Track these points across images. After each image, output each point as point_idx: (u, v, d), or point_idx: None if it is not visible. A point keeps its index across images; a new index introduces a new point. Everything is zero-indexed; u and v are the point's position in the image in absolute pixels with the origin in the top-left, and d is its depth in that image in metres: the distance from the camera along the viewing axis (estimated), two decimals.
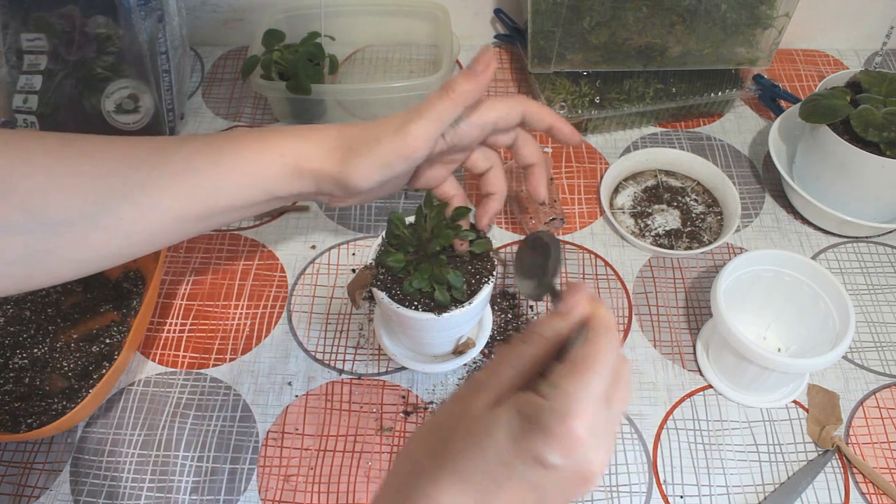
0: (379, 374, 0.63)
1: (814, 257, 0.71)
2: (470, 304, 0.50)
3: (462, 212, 0.52)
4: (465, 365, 0.62)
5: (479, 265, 0.53)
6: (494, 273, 0.52)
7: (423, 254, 0.51)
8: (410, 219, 0.53)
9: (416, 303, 0.51)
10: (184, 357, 0.64)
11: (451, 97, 0.46)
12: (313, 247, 0.72)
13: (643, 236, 0.72)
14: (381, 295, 0.51)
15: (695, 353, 0.64)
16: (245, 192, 0.46)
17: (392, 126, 0.46)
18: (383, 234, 0.53)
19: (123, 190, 0.44)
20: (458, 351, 0.59)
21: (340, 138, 0.47)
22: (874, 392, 0.62)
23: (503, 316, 0.66)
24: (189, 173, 0.45)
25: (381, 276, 0.52)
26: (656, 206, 0.75)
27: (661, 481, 0.57)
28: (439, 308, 0.50)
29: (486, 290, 0.51)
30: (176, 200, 0.45)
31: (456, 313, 0.50)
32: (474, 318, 0.56)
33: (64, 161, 0.43)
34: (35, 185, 0.42)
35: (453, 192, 0.54)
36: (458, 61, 0.91)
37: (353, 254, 0.71)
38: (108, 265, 0.46)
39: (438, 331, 0.53)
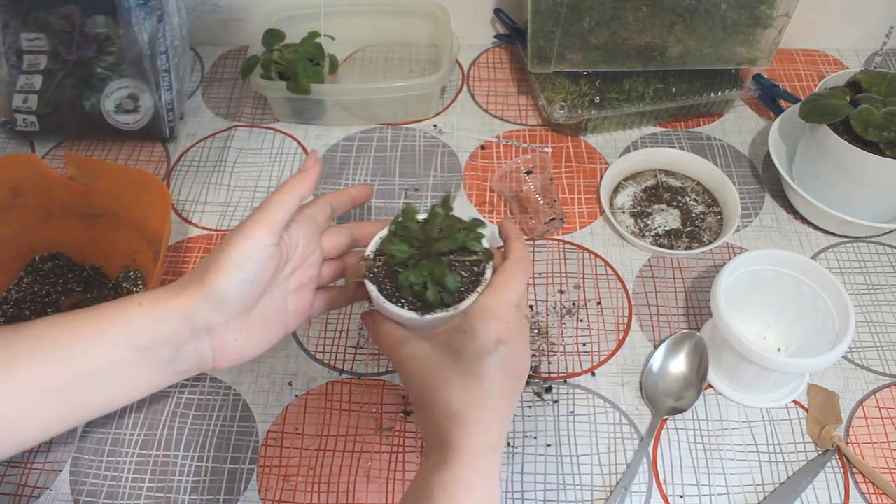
0: (379, 374, 0.63)
1: (814, 257, 0.71)
2: (456, 308, 0.50)
3: (478, 223, 0.52)
4: None
5: (475, 276, 0.52)
6: (486, 280, 0.51)
7: (427, 251, 0.51)
8: (422, 216, 0.53)
9: (402, 300, 0.50)
10: None
11: (283, 190, 0.47)
12: None
13: (643, 236, 0.72)
14: (374, 290, 0.51)
15: None
16: (106, 349, 0.41)
17: (234, 231, 0.45)
18: (386, 228, 0.53)
19: None
20: None
21: (190, 273, 0.45)
22: (874, 392, 0.62)
23: None
24: (46, 341, 0.40)
25: (377, 269, 0.52)
26: (656, 206, 0.75)
27: (661, 481, 0.57)
28: (425, 308, 0.49)
29: (474, 297, 0.50)
30: (29, 372, 0.39)
31: (439, 316, 0.49)
32: None
33: None
34: None
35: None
36: (457, 61, 0.91)
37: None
38: None
39: (428, 330, 0.53)
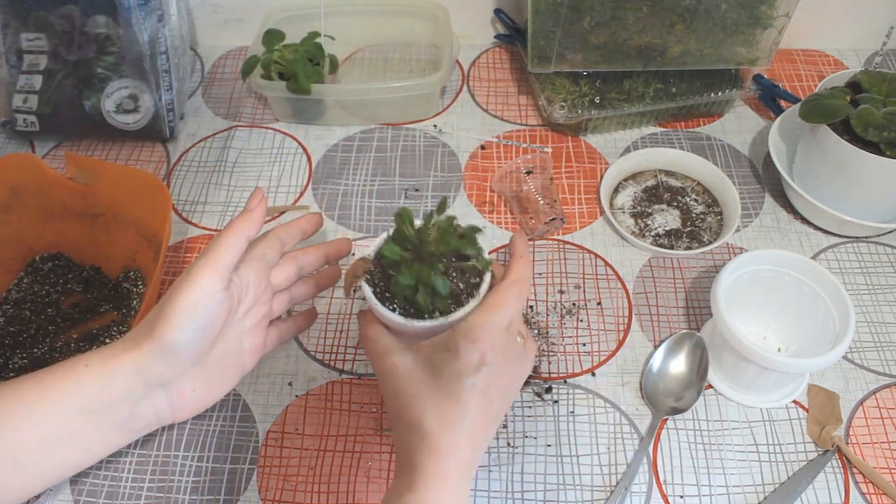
0: None
1: (814, 257, 0.71)
2: (445, 319, 0.49)
3: (474, 229, 0.52)
4: None
5: (472, 285, 0.52)
6: (482, 292, 0.51)
7: (420, 254, 0.50)
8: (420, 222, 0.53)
9: (395, 305, 0.50)
10: None
11: (229, 233, 0.46)
12: None
13: (643, 236, 0.72)
14: (365, 288, 0.50)
15: None
16: (53, 417, 0.40)
17: (182, 278, 0.44)
18: (390, 230, 0.53)
19: None
20: None
21: (139, 326, 0.44)
22: (874, 392, 0.62)
23: None
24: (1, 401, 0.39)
25: (375, 271, 0.52)
26: (656, 206, 0.75)
27: (661, 481, 0.57)
28: (417, 314, 0.49)
29: (467, 308, 0.50)
30: None
31: (425, 324, 0.49)
32: None
33: None
34: None
35: None
36: (458, 61, 0.91)
37: (353, 253, 0.71)
38: None
39: (424, 336, 0.53)
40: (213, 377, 0.45)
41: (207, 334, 0.43)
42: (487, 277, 0.51)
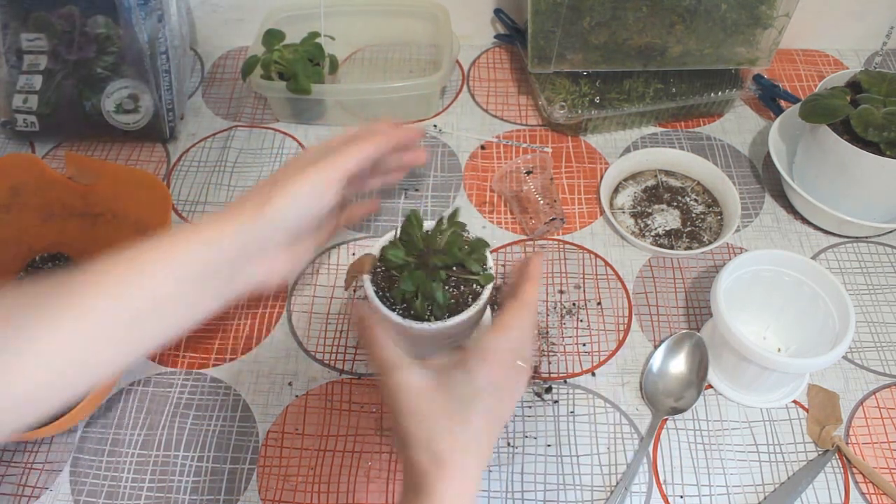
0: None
1: (814, 257, 0.71)
2: (443, 323, 0.49)
3: (482, 243, 0.52)
4: None
5: (471, 295, 0.52)
6: (481, 303, 0.51)
7: (424, 261, 0.50)
8: (431, 223, 0.53)
9: (397, 307, 0.50)
10: (184, 357, 0.64)
11: (361, 145, 0.49)
12: None
13: (643, 236, 0.72)
14: (368, 286, 0.51)
15: None
16: (169, 282, 0.42)
17: (308, 163, 0.47)
18: (397, 229, 0.53)
19: (39, 308, 0.37)
20: None
21: (245, 198, 0.46)
22: (874, 392, 0.62)
23: None
24: (108, 275, 0.40)
25: (379, 269, 0.52)
26: (656, 206, 0.75)
27: (661, 481, 0.57)
28: (417, 317, 0.49)
29: (466, 315, 0.50)
30: (97, 314, 0.39)
31: (423, 326, 0.49)
32: (462, 333, 0.55)
33: None
34: None
35: None
36: (458, 61, 0.91)
37: (353, 254, 0.71)
38: (24, 413, 0.38)
39: (420, 339, 0.53)
40: (299, 251, 0.49)
41: (313, 218, 0.47)
42: (488, 289, 0.51)
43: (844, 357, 0.64)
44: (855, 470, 0.57)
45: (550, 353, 0.64)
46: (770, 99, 0.83)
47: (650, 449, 0.58)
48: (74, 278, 0.40)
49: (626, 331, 0.65)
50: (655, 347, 0.64)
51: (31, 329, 0.37)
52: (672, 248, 0.71)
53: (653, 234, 0.72)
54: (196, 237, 0.43)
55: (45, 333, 0.37)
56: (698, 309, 0.67)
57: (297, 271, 0.50)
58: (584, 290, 0.68)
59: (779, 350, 0.63)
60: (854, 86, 0.70)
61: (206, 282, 0.43)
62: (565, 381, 0.62)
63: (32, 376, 0.37)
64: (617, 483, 0.56)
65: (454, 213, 0.52)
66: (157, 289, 0.41)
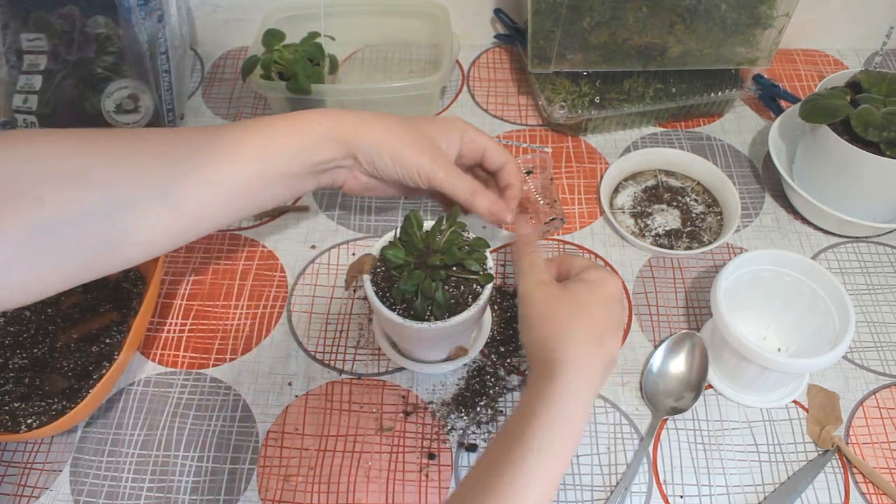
0: (379, 374, 0.63)
1: (814, 257, 0.71)
2: (445, 322, 0.49)
3: (481, 243, 0.52)
4: (465, 366, 0.62)
5: (471, 294, 0.52)
6: (481, 303, 0.51)
7: (423, 261, 0.50)
8: (431, 223, 0.53)
9: (397, 307, 0.50)
10: (184, 357, 0.64)
11: (480, 194, 0.56)
12: (313, 247, 0.72)
13: (643, 236, 0.72)
14: (368, 286, 0.51)
15: None
16: (287, 160, 0.50)
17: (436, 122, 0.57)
18: (397, 229, 0.53)
19: (188, 167, 0.46)
20: (450, 358, 0.59)
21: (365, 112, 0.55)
22: (874, 392, 0.62)
23: (503, 315, 0.66)
24: (244, 143, 0.49)
25: (380, 269, 0.52)
26: (656, 206, 0.75)
27: (661, 481, 0.57)
28: (417, 317, 0.50)
29: (466, 315, 0.50)
30: (234, 172, 0.48)
31: (423, 326, 0.49)
32: (461, 333, 0.55)
33: (132, 145, 0.46)
34: (112, 166, 0.44)
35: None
36: (458, 61, 0.91)
37: (353, 254, 0.71)
38: (169, 247, 0.48)
39: (419, 339, 0.53)
40: (382, 183, 0.57)
41: (397, 179, 0.55)
42: (488, 289, 0.51)
43: (844, 357, 0.64)
44: (855, 470, 0.57)
45: None
46: (770, 99, 0.83)
47: (650, 449, 0.58)
48: (214, 137, 0.49)
49: (626, 331, 0.65)
50: (655, 347, 0.64)
51: (194, 163, 0.47)
52: (672, 248, 0.71)
53: (653, 234, 0.72)
54: (318, 129, 0.51)
55: (187, 188, 0.46)
56: (698, 309, 0.67)
57: (375, 196, 0.59)
58: None
59: (779, 350, 0.63)
60: (854, 86, 0.70)
61: (312, 169, 0.52)
62: None
63: (199, 195, 0.47)
64: (617, 483, 0.56)
65: (453, 213, 0.52)
66: (275, 168, 0.50)
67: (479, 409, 0.60)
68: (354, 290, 0.53)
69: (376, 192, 0.58)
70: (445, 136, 0.56)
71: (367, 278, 0.51)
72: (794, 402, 0.61)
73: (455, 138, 0.57)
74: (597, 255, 0.71)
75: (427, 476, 0.57)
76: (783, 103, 0.82)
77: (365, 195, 0.59)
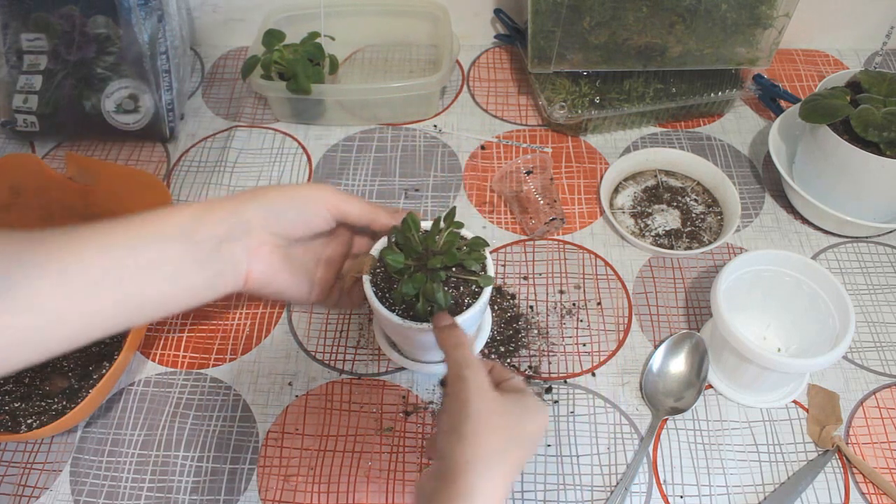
0: (379, 374, 0.63)
1: (814, 257, 0.71)
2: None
3: (480, 243, 0.52)
4: None
5: (470, 290, 0.52)
6: (482, 302, 0.51)
7: (423, 263, 0.50)
8: (428, 224, 0.53)
9: (396, 308, 0.50)
10: (184, 357, 0.64)
11: (373, 211, 0.51)
12: None
13: (643, 236, 0.72)
14: (368, 287, 0.51)
15: None
16: (157, 242, 0.42)
17: (317, 185, 0.50)
18: (391, 232, 0.53)
19: (26, 255, 0.38)
20: None
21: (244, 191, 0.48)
22: (874, 392, 0.62)
23: (503, 315, 0.66)
24: (99, 236, 0.41)
25: (379, 270, 0.52)
26: (656, 206, 0.75)
27: (661, 481, 0.57)
28: (417, 318, 0.50)
29: (467, 315, 0.50)
30: (83, 267, 0.40)
31: (423, 327, 0.49)
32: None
33: None
34: None
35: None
36: (458, 61, 0.91)
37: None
38: (12, 356, 0.39)
39: (419, 340, 0.53)
40: (286, 268, 0.48)
41: (301, 228, 0.48)
42: (488, 289, 0.51)
43: (844, 357, 0.64)
44: (855, 470, 0.57)
45: (550, 354, 0.64)
46: (770, 99, 0.83)
47: (650, 449, 0.58)
48: (61, 233, 0.40)
49: (626, 331, 0.65)
50: (655, 347, 0.64)
51: (15, 277, 0.37)
52: (672, 248, 0.71)
53: (653, 234, 0.72)
54: (188, 208, 0.45)
55: (30, 281, 0.38)
56: (698, 309, 0.67)
57: (278, 292, 0.49)
58: (584, 290, 0.68)
59: (779, 350, 0.63)
60: (854, 86, 0.70)
61: (192, 248, 0.44)
62: (565, 382, 0.62)
63: (15, 322, 0.37)
64: (617, 483, 0.56)
65: (450, 213, 0.52)
66: (142, 250, 0.42)
67: None
68: (352, 287, 0.52)
69: (285, 284, 0.49)
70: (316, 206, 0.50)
71: (366, 279, 0.51)
72: (794, 402, 0.61)
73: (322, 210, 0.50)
74: (597, 255, 0.71)
75: None
76: (783, 103, 0.82)
77: (270, 289, 0.49)
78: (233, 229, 0.45)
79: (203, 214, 0.44)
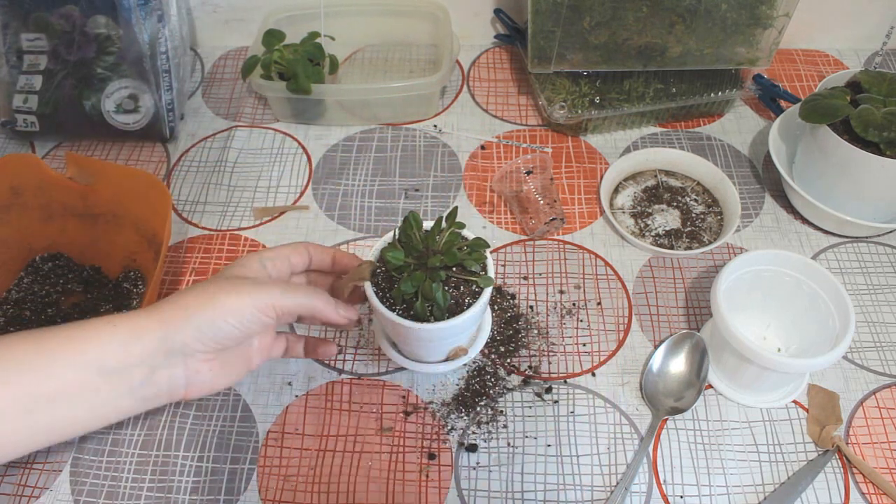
0: (379, 374, 0.63)
1: (814, 257, 0.71)
2: (445, 323, 0.49)
3: (481, 243, 0.52)
4: (465, 366, 0.62)
5: (471, 290, 0.52)
6: (482, 302, 0.51)
7: (423, 262, 0.50)
8: (430, 224, 0.53)
9: (397, 307, 0.50)
10: None
11: (310, 295, 0.47)
12: None
13: (643, 236, 0.72)
14: (368, 287, 0.51)
15: None
16: (73, 371, 0.40)
17: (249, 283, 0.46)
18: (394, 230, 0.53)
19: None
20: (450, 358, 0.59)
21: (169, 299, 0.44)
22: (874, 392, 0.62)
23: (503, 315, 0.66)
24: (9, 359, 0.39)
25: (380, 270, 0.52)
26: (656, 206, 0.75)
27: (661, 481, 0.57)
28: (417, 318, 0.50)
29: (467, 315, 0.50)
30: None
31: (424, 326, 0.49)
32: (461, 333, 0.55)
33: None
34: None
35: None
36: (458, 61, 0.91)
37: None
38: None
39: (419, 339, 0.53)
40: (226, 364, 0.47)
41: (241, 336, 0.45)
42: (488, 289, 0.51)
43: (844, 357, 0.64)
44: (855, 470, 0.57)
45: (550, 353, 0.64)
46: (770, 99, 0.83)
47: (650, 449, 0.58)
48: None
49: (626, 331, 0.65)
50: (655, 347, 0.64)
51: None
52: (672, 248, 0.71)
53: (653, 234, 0.72)
54: (111, 330, 0.41)
55: None
56: (698, 309, 0.67)
57: (220, 389, 0.47)
58: (584, 290, 0.68)
59: (779, 350, 0.63)
60: (854, 86, 0.70)
61: (116, 378, 0.41)
62: (565, 382, 0.62)
63: None
64: (617, 483, 0.56)
65: (452, 213, 0.52)
66: (60, 376, 0.40)
67: (479, 409, 0.60)
68: (353, 291, 0.52)
69: (235, 369, 0.48)
70: (250, 269, 0.48)
71: (369, 287, 0.51)
72: (794, 402, 0.61)
73: (259, 267, 0.48)
74: (597, 255, 0.71)
75: (427, 476, 0.57)
76: (783, 103, 0.82)
77: (215, 390, 0.47)
78: (168, 356, 0.43)
79: (131, 343, 0.41)
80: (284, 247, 0.50)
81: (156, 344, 0.42)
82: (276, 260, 0.49)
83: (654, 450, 0.58)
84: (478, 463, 0.57)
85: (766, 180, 0.78)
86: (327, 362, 0.63)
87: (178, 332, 0.43)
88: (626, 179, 0.78)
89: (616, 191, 0.77)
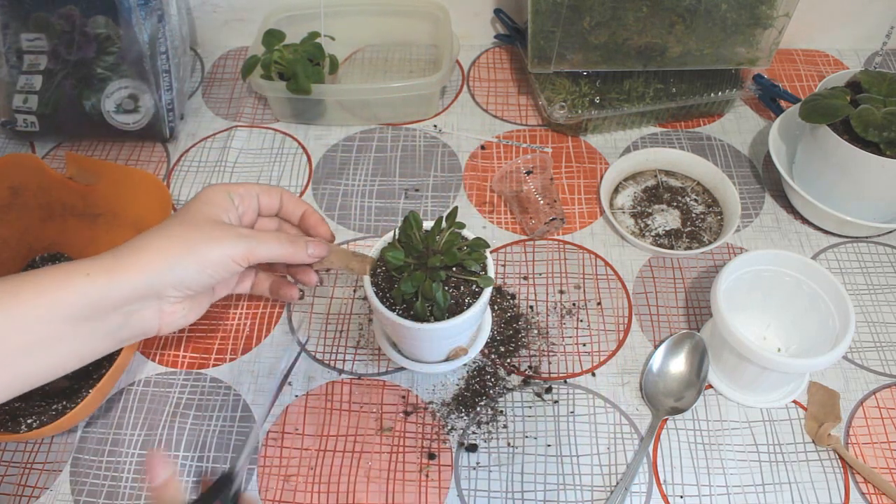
0: (379, 374, 0.63)
1: (814, 257, 0.71)
2: (446, 323, 0.49)
3: (481, 243, 0.52)
4: (465, 366, 0.62)
5: (471, 290, 0.52)
6: (482, 302, 0.51)
7: (423, 261, 0.50)
8: (430, 224, 0.53)
9: (397, 307, 0.50)
10: (184, 357, 0.64)
11: (282, 242, 0.48)
12: None
13: (643, 236, 0.72)
14: (368, 287, 0.51)
15: None
16: (45, 322, 0.40)
17: (228, 229, 0.47)
18: (394, 230, 0.53)
19: None
20: (450, 358, 0.59)
21: (142, 241, 0.44)
22: (874, 392, 0.62)
23: (503, 315, 0.66)
24: None
25: (380, 270, 0.52)
26: (656, 206, 0.75)
27: (661, 481, 0.57)
28: (417, 318, 0.50)
29: (467, 315, 0.50)
30: None
31: (425, 326, 0.49)
32: (461, 333, 0.55)
33: None
34: None
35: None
36: (458, 61, 0.91)
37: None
38: None
39: (419, 339, 0.53)
40: (195, 303, 0.48)
41: (216, 283, 0.47)
42: (488, 290, 0.51)
43: (844, 357, 0.64)
44: (854, 470, 0.57)
45: (550, 353, 0.64)
46: (770, 99, 0.83)
47: (650, 449, 0.58)
48: None
49: (626, 331, 0.65)
50: (655, 347, 0.64)
51: None
52: (672, 248, 0.71)
53: (653, 234, 0.72)
54: (85, 280, 0.41)
55: None
56: (698, 309, 0.67)
57: (188, 325, 0.48)
58: (584, 290, 0.68)
59: (779, 350, 0.63)
60: (854, 86, 0.70)
61: (93, 325, 0.42)
62: (565, 382, 0.62)
63: None
64: (617, 483, 0.56)
65: (452, 213, 0.52)
66: (32, 330, 0.40)
67: (479, 409, 0.60)
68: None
69: (200, 307, 0.49)
70: (220, 207, 0.48)
71: (366, 279, 0.51)
72: (794, 401, 0.61)
73: (229, 204, 0.49)
74: (597, 255, 0.71)
75: (427, 476, 0.57)
76: (783, 103, 0.82)
77: (183, 326, 0.48)
78: (143, 300, 0.43)
79: (110, 290, 0.41)
80: (256, 185, 0.51)
81: (134, 291, 0.43)
82: (246, 197, 0.50)
83: (654, 450, 0.58)
84: (478, 463, 0.57)
85: (766, 180, 0.78)
86: (327, 362, 0.63)
87: (158, 279, 0.43)
88: (626, 179, 0.78)
89: (616, 191, 0.77)
